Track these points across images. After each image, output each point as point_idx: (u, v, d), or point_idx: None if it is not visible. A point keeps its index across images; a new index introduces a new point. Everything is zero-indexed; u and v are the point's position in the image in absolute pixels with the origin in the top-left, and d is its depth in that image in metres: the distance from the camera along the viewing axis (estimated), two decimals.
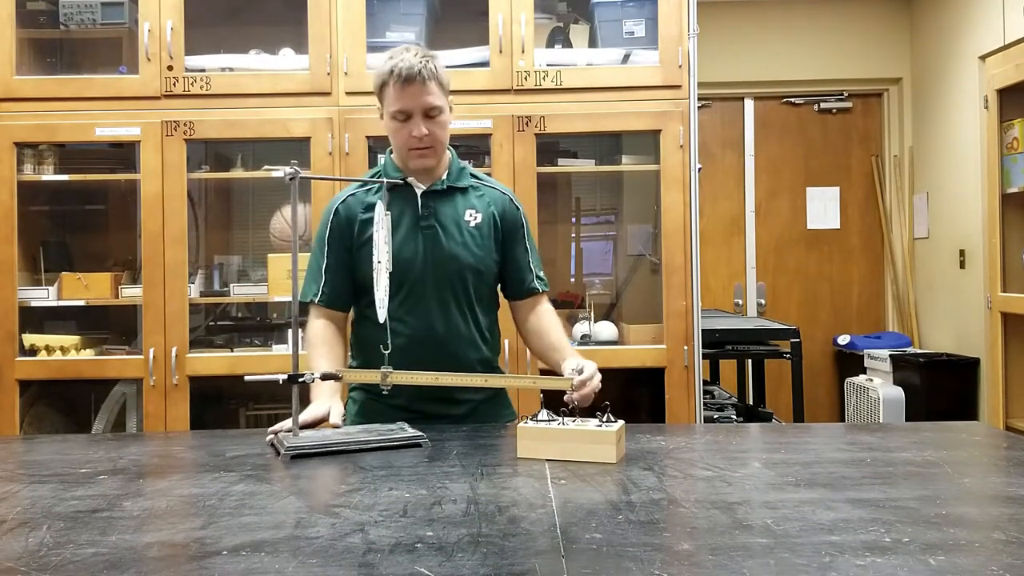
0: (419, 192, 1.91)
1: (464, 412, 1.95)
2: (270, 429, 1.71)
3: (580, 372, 1.75)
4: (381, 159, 2.03)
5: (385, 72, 1.84)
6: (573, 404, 1.71)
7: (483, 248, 1.94)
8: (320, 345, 1.89)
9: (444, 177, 1.95)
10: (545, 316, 2.02)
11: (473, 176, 2.01)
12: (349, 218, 1.92)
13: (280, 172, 1.66)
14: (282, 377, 1.63)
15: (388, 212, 1.75)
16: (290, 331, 3.00)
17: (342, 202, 1.95)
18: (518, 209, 2.02)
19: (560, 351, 1.94)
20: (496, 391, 2.03)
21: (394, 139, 1.90)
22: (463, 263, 1.91)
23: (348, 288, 1.94)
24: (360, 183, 1.98)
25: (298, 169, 1.66)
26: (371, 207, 1.88)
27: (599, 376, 1.78)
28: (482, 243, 1.94)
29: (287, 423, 1.70)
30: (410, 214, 1.91)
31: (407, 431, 1.69)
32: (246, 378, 1.70)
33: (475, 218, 1.95)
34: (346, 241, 1.92)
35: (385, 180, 1.80)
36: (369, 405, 1.96)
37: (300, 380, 1.64)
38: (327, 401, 1.79)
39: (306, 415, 1.73)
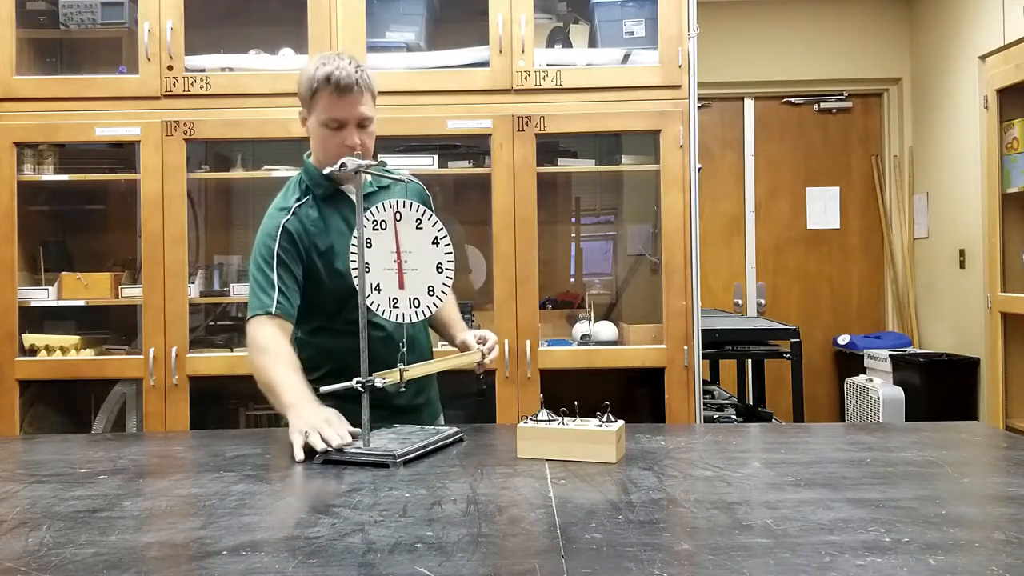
0: (355, 199, 1.88)
1: (422, 402, 2.05)
2: (332, 444, 1.56)
3: (484, 342, 1.94)
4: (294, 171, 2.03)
5: (319, 78, 1.82)
6: (482, 371, 1.94)
7: None
8: (284, 354, 1.81)
9: (370, 179, 1.96)
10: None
11: (386, 171, 2.01)
12: (301, 232, 1.89)
13: (347, 163, 1.60)
14: (358, 385, 1.56)
15: (400, 214, 1.73)
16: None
17: (288, 219, 1.90)
18: (428, 196, 2.11)
19: (453, 326, 2.07)
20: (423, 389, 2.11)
21: (323, 146, 1.89)
22: None
23: (297, 301, 1.90)
24: (294, 200, 1.94)
25: (357, 162, 1.59)
26: (320, 218, 1.91)
27: (495, 340, 1.98)
28: None
29: (327, 434, 1.58)
30: (350, 218, 1.91)
31: (448, 429, 1.74)
32: (322, 390, 1.63)
33: None
34: (301, 255, 1.89)
35: (403, 178, 1.79)
36: (345, 408, 1.92)
37: (375, 385, 1.56)
38: (316, 408, 1.72)
39: (328, 424, 1.63)
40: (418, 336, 2.01)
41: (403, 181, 1.99)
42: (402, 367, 1.63)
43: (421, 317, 1.66)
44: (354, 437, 1.60)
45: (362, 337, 1.58)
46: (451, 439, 1.70)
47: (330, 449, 1.54)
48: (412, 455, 1.54)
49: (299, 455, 1.56)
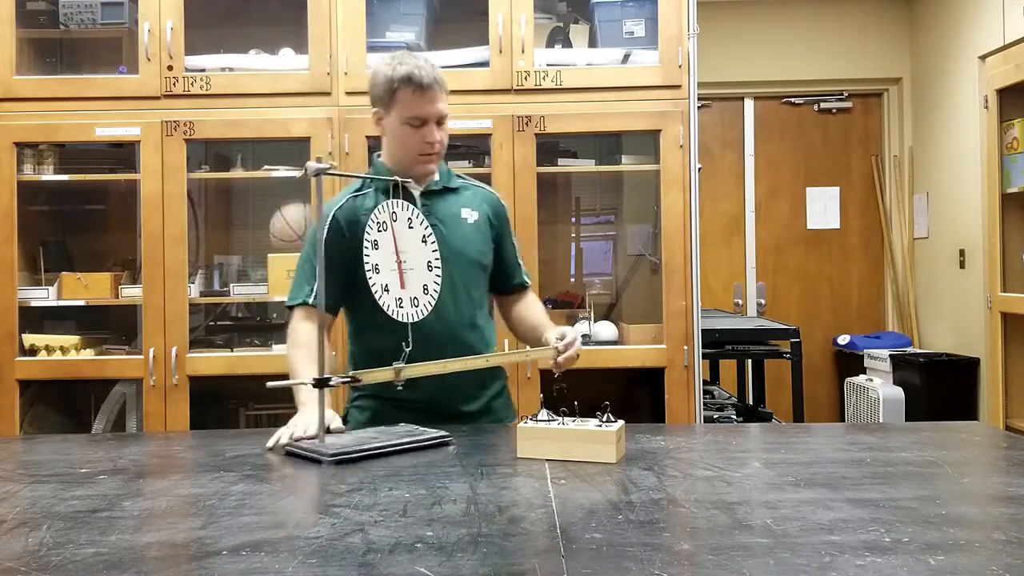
0: (417, 193, 1.94)
1: (477, 409, 1.98)
2: (294, 436, 1.66)
3: (563, 338, 1.86)
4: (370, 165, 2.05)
5: (399, 77, 1.85)
6: (558, 371, 1.84)
7: (483, 243, 2.01)
8: (308, 347, 1.85)
9: (437, 178, 1.99)
10: (529, 303, 2.12)
11: (460, 177, 2.08)
12: (348, 224, 1.92)
13: (295, 172, 1.65)
14: (310, 382, 1.60)
15: (329, 219, 1.81)
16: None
17: (339, 208, 1.95)
18: (503, 207, 2.10)
19: (542, 328, 2.01)
20: (499, 392, 2.06)
21: (402, 144, 1.91)
22: (469, 258, 1.97)
23: (339, 293, 1.93)
24: (352, 191, 1.99)
25: (323, 165, 1.62)
26: (366, 216, 1.88)
27: (580, 338, 1.90)
28: (481, 239, 2.01)
29: (297, 429, 1.67)
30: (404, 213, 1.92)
31: (433, 432, 1.70)
32: (268, 385, 1.67)
33: (472, 215, 2.01)
34: (345, 247, 1.90)
35: (395, 179, 1.80)
36: (383, 411, 1.95)
37: (329, 384, 1.60)
38: (316, 406, 1.75)
39: (311, 422, 1.69)
40: (467, 334, 1.95)
41: (400, 188, 1.98)
42: (398, 365, 1.66)
43: (421, 316, 1.69)
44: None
45: (318, 332, 1.66)
46: (431, 441, 1.66)
47: (283, 443, 1.65)
48: (350, 455, 1.55)
49: (269, 443, 1.67)
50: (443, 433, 1.69)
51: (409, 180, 1.93)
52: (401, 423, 1.80)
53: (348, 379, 1.67)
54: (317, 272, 1.74)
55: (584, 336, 3.09)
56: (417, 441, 1.65)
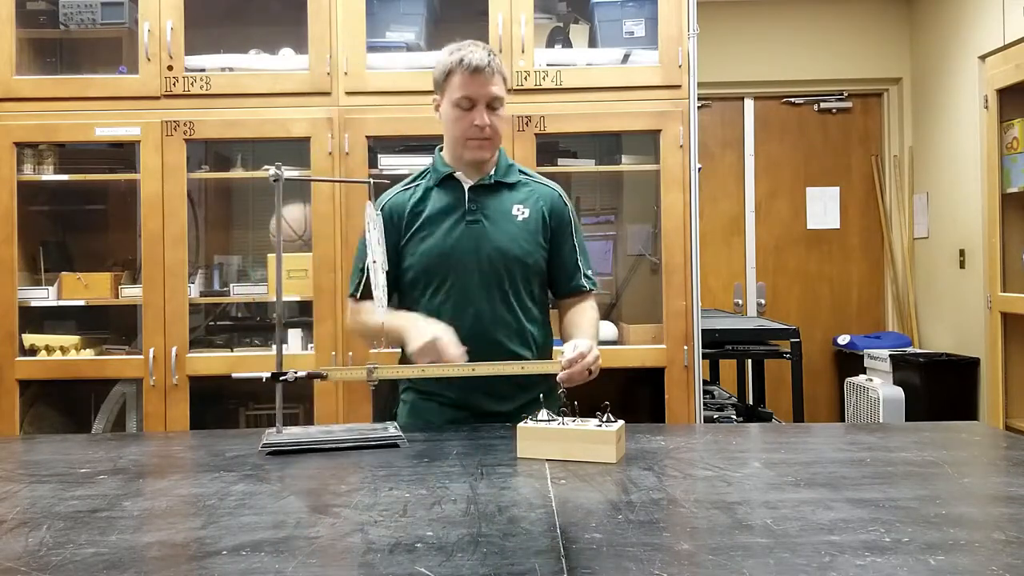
0: (467, 187, 1.95)
1: (512, 409, 1.89)
2: (440, 345, 1.72)
3: (580, 352, 1.75)
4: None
5: (453, 61, 1.87)
6: (562, 385, 1.73)
7: (530, 242, 1.95)
8: (375, 312, 1.85)
9: (492, 172, 1.98)
10: (582, 309, 2.01)
11: (522, 172, 2.04)
12: (397, 216, 1.95)
13: (295, 173, 1.72)
14: (265, 375, 1.66)
15: (379, 212, 1.80)
16: (290, 331, 3.01)
17: (389, 200, 1.98)
18: (566, 206, 2.04)
19: (573, 333, 1.92)
20: (548, 391, 1.96)
21: (453, 127, 1.93)
22: (509, 256, 1.93)
23: (391, 283, 1.93)
24: (404, 184, 2.02)
25: (280, 171, 1.68)
26: (424, 199, 1.95)
27: (595, 353, 1.76)
28: (529, 237, 1.95)
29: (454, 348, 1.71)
30: (457, 209, 1.94)
31: (388, 431, 1.70)
32: (233, 376, 1.73)
33: (523, 212, 1.96)
34: (392, 238, 1.93)
35: (368, 180, 1.81)
36: (418, 404, 1.97)
37: (283, 378, 1.66)
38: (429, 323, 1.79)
39: (421, 340, 1.72)
40: (500, 334, 1.92)
41: (453, 180, 1.98)
42: (371, 365, 1.69)
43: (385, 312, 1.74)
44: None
45: (278, 328, 1.70)
46: (378, 442, 1.66)
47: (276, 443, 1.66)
48: (283, 448, 1.61)
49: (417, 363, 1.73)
50: (396, 434, 1.69)
51: (457, 173, 1.95)
52: (432, 420, 1.88)
53: (315, 374, 1.72)
54: (366, 264, 1.79)
55: None
56: (363, 440, 1.66)
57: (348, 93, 2.95)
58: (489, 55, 1.88)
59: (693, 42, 2.97)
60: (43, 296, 3.02)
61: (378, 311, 1.73)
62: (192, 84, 2.95)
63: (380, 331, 1.83)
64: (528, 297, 1.96)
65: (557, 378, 1.73)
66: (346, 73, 2.95)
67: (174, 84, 2.95)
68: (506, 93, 1.94)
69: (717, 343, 3.31)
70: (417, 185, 1.99)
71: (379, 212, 1.91)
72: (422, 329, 1.76)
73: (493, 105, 1.89)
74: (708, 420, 3.22)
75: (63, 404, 3.21)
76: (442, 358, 1.71)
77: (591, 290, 2.04)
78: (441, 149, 2.01)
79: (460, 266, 1.91)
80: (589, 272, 2.05)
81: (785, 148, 5.17)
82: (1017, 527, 1.13)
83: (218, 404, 3.22)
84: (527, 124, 2.95)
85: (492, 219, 1.93)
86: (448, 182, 1.96)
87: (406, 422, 1.98)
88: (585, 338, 1.82)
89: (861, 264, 5.16)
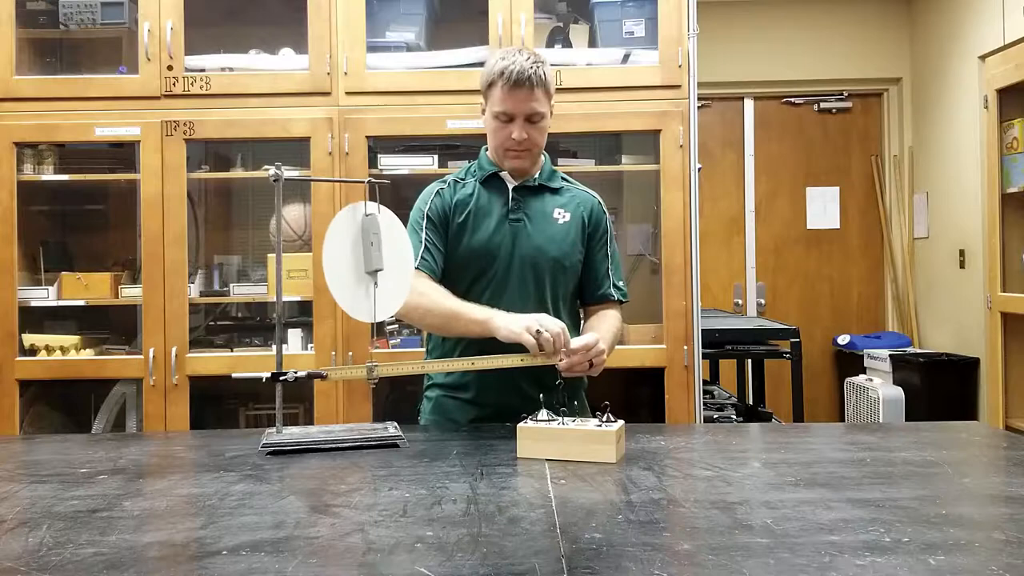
0: (511, 186, 1.97)
1: (534, 408, 1.92)
2: (543, 336, 1.71)
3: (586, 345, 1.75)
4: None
5: (495, 72, 1.88)
6: (561, 374, 1.73)
7: (569, 245, 1.98)
8: (443, 291, 1.89)
9: (536, 175, 2.00)
10: (604, 317, 2.01)
11: (564, 179, 2.07)
12: (449, 204, 1.97)
13: (296, 172, 1.73)
14: (265, 375, 1.67)
15: (370, 215, 1.81)
16: (290, 331, 3.01)
17: (442, 188, 2.01)
18: (605, 214, 2.06)
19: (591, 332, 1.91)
20: (573, 392, 1.97)
21: (492, 138, 1.96)
22: (548, 256, 1.95)
23: (441, 263, 1.96)
24: (455, 177, 2.04)
25: (280, 171, 1.69)
26: (471, 195, 1.97)
27: (601, 347, 1.76)
28: (568, 240, 1.98)
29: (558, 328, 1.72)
30: (500, 206, 1.96)
31: (388, 431, 1.71)
32: (233, 376, 1.74)
33: (564, 216, 1.99)
34: (447, 223, 1.96)
35: (367, 180, 1.81)
36: (443, 401, 1.98)
37: (283, 378, 1.66)
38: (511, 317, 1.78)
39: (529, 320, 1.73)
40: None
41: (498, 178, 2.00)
42: (371, 364, 1.69)
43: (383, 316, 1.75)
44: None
45: (278, 328, 1.71)
46: (379, 442, 1.67)
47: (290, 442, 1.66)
48: (283, 448, 1.62)
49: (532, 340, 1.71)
50: (396, 434, 1.69)
51: (502, 172, 1.98)
52: (455, 418, 1.91)
53: (315, 374, 1.72)
54: (423, 240, 1.89)
55: None
56: (363, 440, 1.67)
57: (348, 93, 2.95)
58: (532, 66, 1.86)
59: (693, 42, 2.97)
60: (43, 296, 3.02)
61: (378, 316, 1.72)
62: (192, 84, 2.95)
63: (448, 315, 1.84)
64: (563, 300, 1.98)
65: (557, 367, 1.75)
66: (346, 73, 2.95)
67: (174, 84, 2.95)
68: (550, 104, 1.93)
69: (717, 343, 3.31)
70: (465, 181, 2.01)
71: (436, 194, 1.97)
72: (518, 319, 1.75)
73: (532, 119, 1.90)
74: (708, 420, 3.22)
75: (63, 404, 3.21)
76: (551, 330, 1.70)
77: (619, 300, 2.05)
78: (487, 149, 2.04)
79: (499, 262, 1.93)
80: (620, 283, 2.06)
81: (785, 148, 5.17)
82: (1017, 527, 1.13)
83: (218, 404, 3.22)
84: None
85: (533, 219, 1.96)
86: (493, 180, 1.99)
87: (429, 419, 2.00)
88: (595, 334, 1.83)
89: (861, 264, 5.16)
